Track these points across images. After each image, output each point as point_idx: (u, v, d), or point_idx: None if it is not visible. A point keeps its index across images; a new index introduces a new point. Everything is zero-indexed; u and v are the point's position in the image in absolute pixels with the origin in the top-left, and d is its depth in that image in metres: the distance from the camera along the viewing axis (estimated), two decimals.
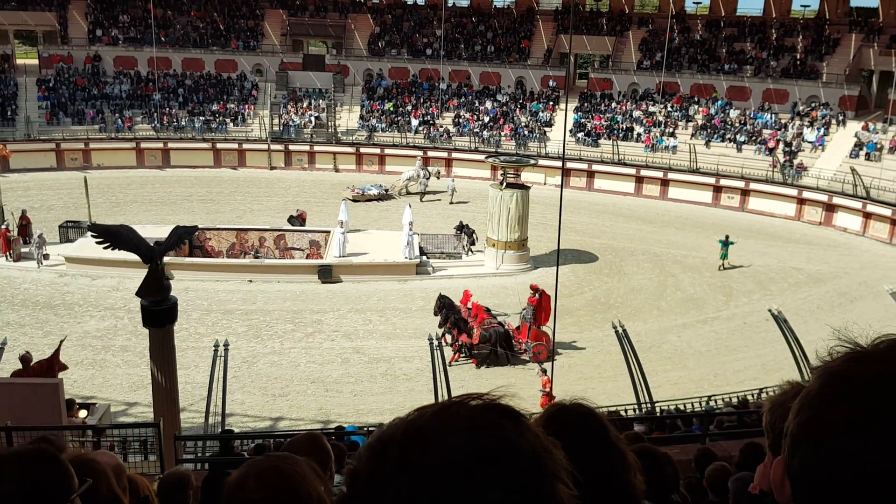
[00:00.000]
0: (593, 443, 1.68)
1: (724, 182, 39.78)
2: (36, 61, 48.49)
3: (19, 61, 49.00)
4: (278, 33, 50.51)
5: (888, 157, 37.56)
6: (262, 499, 1.99)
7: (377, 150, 44.53)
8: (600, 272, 29.70)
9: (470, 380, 20.64)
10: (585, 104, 45.95)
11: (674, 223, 36.80)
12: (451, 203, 37.93)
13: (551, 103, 46.26)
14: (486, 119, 45.61)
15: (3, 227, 28.53)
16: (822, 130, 40.88)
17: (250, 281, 27.36)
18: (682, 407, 16.22)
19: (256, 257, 29.30)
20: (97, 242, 13.35)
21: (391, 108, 46.49)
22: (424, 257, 28.89)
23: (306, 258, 29.54)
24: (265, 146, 44.03)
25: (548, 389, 18.25)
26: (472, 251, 30.07)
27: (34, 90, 44.40)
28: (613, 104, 45.81)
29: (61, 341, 16.03)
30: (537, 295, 22.18)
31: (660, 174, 41.07)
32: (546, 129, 44.68)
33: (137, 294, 13.08)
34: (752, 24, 47.66)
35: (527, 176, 33.03)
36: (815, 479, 0.95)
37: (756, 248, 32.54)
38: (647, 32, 48.40)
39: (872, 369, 0.95)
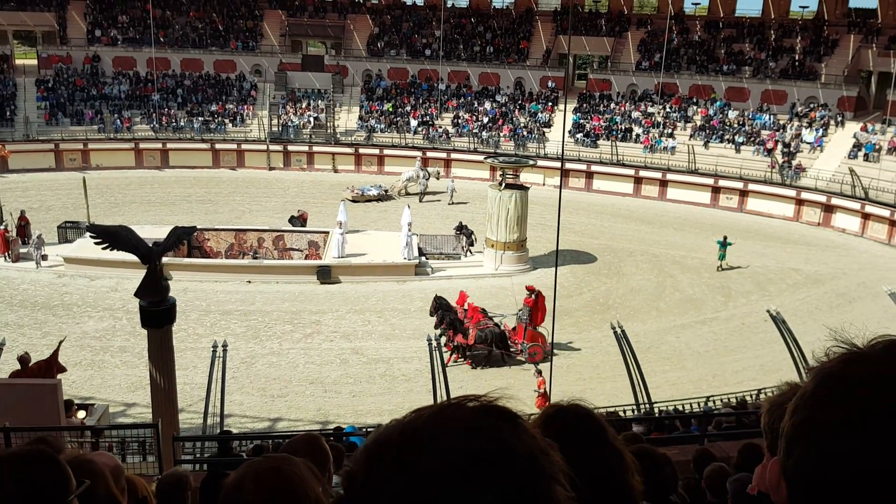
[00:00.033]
0: (591, 444, 1.68)
1: (722, 183, 39.81)
2: (35, 62, 48.48)
3: (18, 62, 48.97)
4: (277, 34, 50.51)
5: (886, 157, 37.58)
6: (259, 500, 1.99)
7: (376, 151, 44.53)
8: (599, 273, 29.71)
9: (469, 381, 20.65)
10: (584, 105, 45.97)
11: (672, 224, 36.82)
12: (450, 204, 37.93)
13: (550, 104, 46.28)
14: (485, 120, 45.62)
15: (2, 227, 28.52)
16: (821, 131, 40.92)
17: (249, 282, 27.35)
18: (680, 408, 16.22)
19: (255, 258, 29.28)
20: (96, 243, 13.34)
21: (390, 109, 46.50)
22: (423, 258, 28.89)
23: (305, 259, 29.53)
24: (264, 147, 44.02)
25: (542, 390, 18.29)
26: (470, 252, 30.08)
27: (33, 90, 44.39)
28: (612, 105, 45.83)
29: (60, 342, 16.00)
30: (533, 296, 22.19)
31: (658, 175, 41.10)
32: (545, 129, 44.70)
33: (136, 295, 13.08)
34: (750, 25, 47.70)
35: (526, 176, 33.06)
36: (810, 480, 0.94)
37: (754, 249, 32.56)
38: (645, 33, 48.44)
39: (868, 370, 0.95)
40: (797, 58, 44.76)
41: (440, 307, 22.12)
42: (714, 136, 42.41)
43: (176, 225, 15.21)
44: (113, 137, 43.14)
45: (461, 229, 30.31)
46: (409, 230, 28.47)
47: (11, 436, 9.56)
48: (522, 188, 29.69)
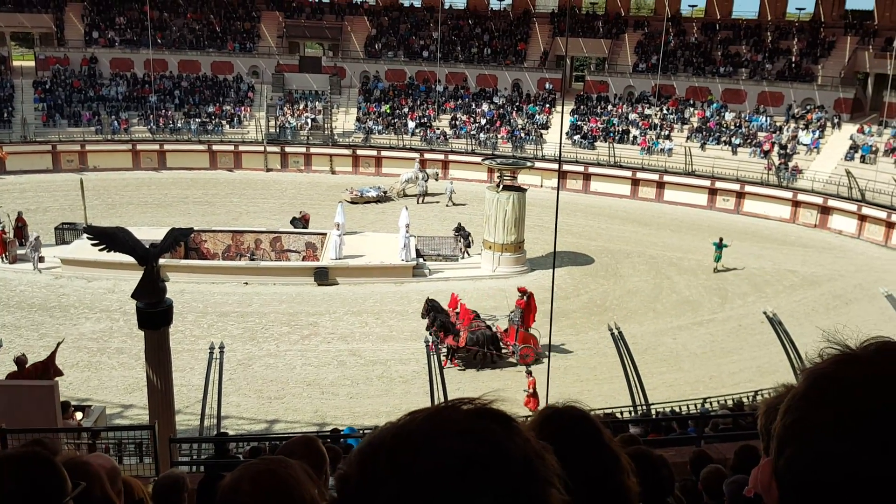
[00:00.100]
0: (587, 446, 1.68)
1: (719, 185, 39.87)
2: (32, 63, 48.41)
3: (16, 63, 48.87)
4: (275, 35, 50.49)
5: (883, 159, 37.66)
6: (255, 502, 1.99)
7: (374, 153, 44.53)
8: (596, 274, 29.73)
9: (467, 382, 20.65)
10: (581, 107, 46.01)
11: (669, 225, 36.86)
12: (448, 205, 37.93)
13: (548, 106, 46.32)
14: (483, 121, 45.64)
15: (0, 228, 28.47)
16: (818, 133, 41.00)
17: (246, 283, 27.32)
18: (677, 409, 16.23)
19: (252, 259, 29.25)
20: (93, 244, 13.33)
21: (388, 111, 46.50)
22: (421, 259, 28.89)
23: (302, 260, 29.51)
24: (261, 148, 43.99)
25: (532, 390, 18.35)
26: (467, 253, 30.10)
27: (30, 92, 44.33)
28: (609, 107, 45.87)
29: (58, 344, 15.91)
30: (525, 297, 22.21)
31: (655, 177, 41.15)
32: (542, 131, 44.73)
33: (133, 296, 13.06)
34: (747, 27, 47.79)
35: (523, 178, 33.06)
36: (801, 481, 0.94)
37: (751, 251, 32.60)
38: (642, 35, 48.52)
39: (860, 371, 0.95)
40: (794, 59, 44.85)
41: (432, 309, 22.18)
42: (711, 138, 42.47)
43: (173, 226, 15.19)
44: (110, 139, 43.09)
45: (459, 230, 30.34)
46: (407, 232, 28.47)
47: (8, 437, 9.55)
48: (520, 190, 29.71)
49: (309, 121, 45.01)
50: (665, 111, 44.67)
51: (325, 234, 29.72)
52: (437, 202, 38.73)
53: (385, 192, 39.44)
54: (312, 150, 44.39)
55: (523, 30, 50.59)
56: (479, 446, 0.94)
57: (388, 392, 20.09)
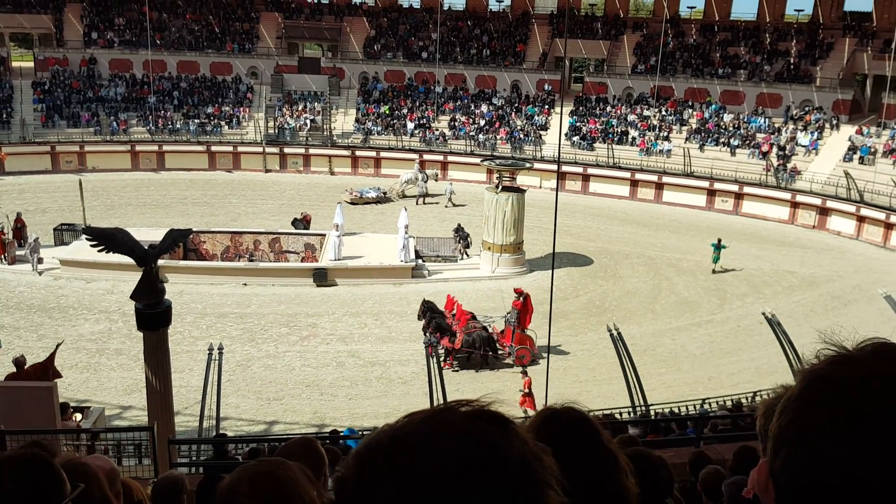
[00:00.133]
0: (585, 447, 1.68)
1: (717, 186, 39.89)
2: (31, 64, 48.37)
3: (15, 64, 48.83)
4: (273, 36, 50.50)
5: (882, 160, 37.69)
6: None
7: (373, 154, 44.54)
8: (595, 275, 29.74)
9: (466, 383, 20.64)
10: (581, 108, 46.04)
11: (668, 226, 36.88)
12: (447, 206, 37.94)
13: (547, 107, 46.34)
14: (482, 122, 45.66)
15: None
16: (816, 134, 41.03)
17: (245, 284, 27.31)
18: (676, 410, 16.23)
19: (251, 260, 29.24)
20: (92, 245, 13.32)
21: (387, 112, 46.51)
22: (420, 260, 28.89)
23: (301, 261, 29.50)
24: (260, 149, 43.99)
25: (528, 390, 18.36)
26: (466, 254, 30.11)
27: (29, 93, 44.31)
28: (608, 108, 45.91)
29: (57, 346, 15.89)
30: (521, 298, 22.21)
31: (654, 178, 41.17)
32: (541, 132, 44.75)
33: (132, 297, 13.05)
34: (745, 29, 47.84)
35: (522, 179, 33.05)
36: (797, 482, 0.94)
37: (750, 252, 32.62)
38: (641, 37, 48.55)
39: (856, 372, 0.95)
40: (792, 61, 44.89)
41: (428, 310, 22.18)
42: (709, 139, 42.50)
43: (172, 227, 15.17)
44: (109, 140, 43.08)
45: (458, 231, 30.34)
46: (406, 232, 28.48)
47: (7, 439, 9.54)
48: (519, 191, 29.71)
49: (308, 122, 45.01)
50: (664, 112, 44.70)
51: (323, 235, 29.72)
52: (437, 203, 38.73)
53: (384, 193, 39.44)
54: (311, 150, 44.39)
55: (522, 31, 50.62)
56: (476, 448, 0.93)
57: (387, 393, 20.08)
